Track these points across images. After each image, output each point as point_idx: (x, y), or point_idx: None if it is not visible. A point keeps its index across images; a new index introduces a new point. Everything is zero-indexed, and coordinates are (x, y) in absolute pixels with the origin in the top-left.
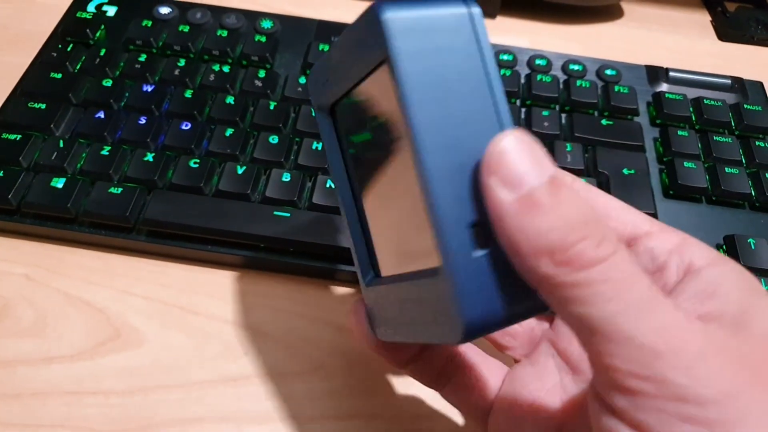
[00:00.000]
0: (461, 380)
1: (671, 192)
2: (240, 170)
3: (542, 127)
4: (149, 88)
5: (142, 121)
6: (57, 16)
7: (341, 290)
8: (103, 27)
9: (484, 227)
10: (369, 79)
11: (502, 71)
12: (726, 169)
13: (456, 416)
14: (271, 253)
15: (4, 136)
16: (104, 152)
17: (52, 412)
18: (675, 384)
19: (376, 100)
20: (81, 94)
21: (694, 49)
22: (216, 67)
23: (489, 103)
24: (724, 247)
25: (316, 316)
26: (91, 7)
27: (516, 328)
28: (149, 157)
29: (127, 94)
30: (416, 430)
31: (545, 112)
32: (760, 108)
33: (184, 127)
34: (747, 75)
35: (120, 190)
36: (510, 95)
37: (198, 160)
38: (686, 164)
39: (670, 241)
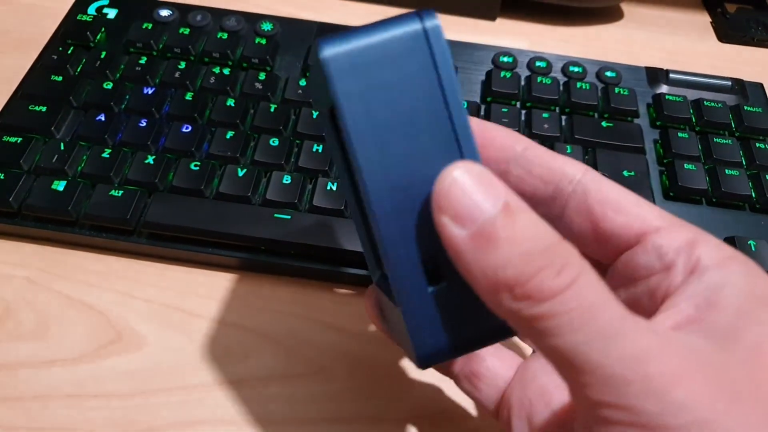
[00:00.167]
0: (474, 370)
1: (671, 194)
2: (240, 173)
3: (542, 129)
4: (150, 91)
5: (143, 123)
6: (57, 19)
7: (342, 292)
8: (103, 30)
9: (445, 259)
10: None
11: (502, 73)
12: (726, 171)
13: (457, 418)
14: (271, 255)
15: (5, 138)
16: (105, 155)
17: (54, 415)
18: (646, 413)
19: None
20: (81, 97)
21: (694, 50)
22: (216, 70)
23: (447, 131)
24: None
25: (318, 318)
26: (91, 10)
27: None
28: (150, 159)
29: (127, 97)
30: None
31: (545, 114)
32: (760, 109)
33: (184, 130)
34: (747, 76)
35: (121, 192)
36: (510, 97)
37: (198, 163)
38: (686, 166)
39: (681, 238)
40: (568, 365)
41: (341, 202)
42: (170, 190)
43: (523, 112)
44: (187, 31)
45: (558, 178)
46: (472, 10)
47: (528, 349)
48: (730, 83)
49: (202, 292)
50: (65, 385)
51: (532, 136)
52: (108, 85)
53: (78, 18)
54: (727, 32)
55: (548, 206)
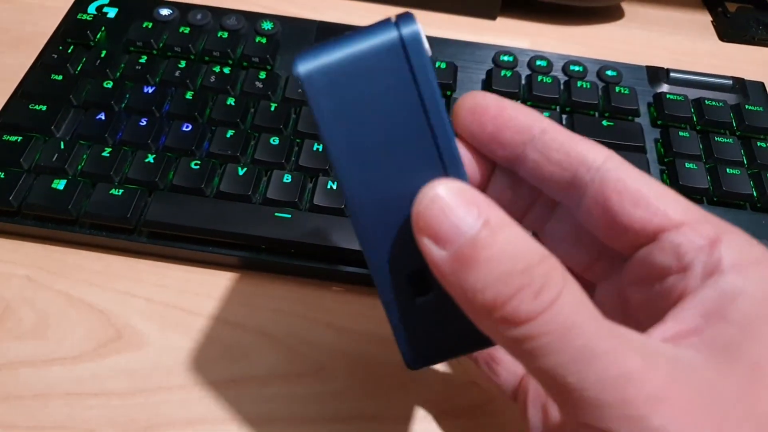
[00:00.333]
0: (493, 355)
1: None
2: (241, 171)
3: None
4: (150, 90)
5: (143, 122)
6: (57, 18)
7: (343, 291)
8: (103, 28)
9: (424, 273)
10: None
11: (503, 72)
12: (727, 170)
13: (457, 416)
14: (272, 254)
15: (5, 137)
16: (105, 154)
17: (54, 413)
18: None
19: None
20: (82, 96)
21: (694, 49)
22: (216, 69)
23: (428, 145)
24: None
25: (318, 317)
26: (91, 9)
27: None
28: (150, 158)
29: (127, 96)
30: (417, 431)
31: (546, 113)
32: (761, 108)
33: (184, 129)
34: (748, 75)
35: (121, 191)
36: (511, 96)
37: (199, 162)
38: (687, 165)
39: (703, 236)
40: (550, 385)
41: (341, 201)
42: (171, 188)
43: None
44: (187, 30)
45: (576, 164)
46: (473, 9)
47: None
48: (730, 82)
49: (202, 291)
50: (65, 384)
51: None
52: (108, 84)
53: (78, 17)
54: (727, 31)
55: (566, 194)
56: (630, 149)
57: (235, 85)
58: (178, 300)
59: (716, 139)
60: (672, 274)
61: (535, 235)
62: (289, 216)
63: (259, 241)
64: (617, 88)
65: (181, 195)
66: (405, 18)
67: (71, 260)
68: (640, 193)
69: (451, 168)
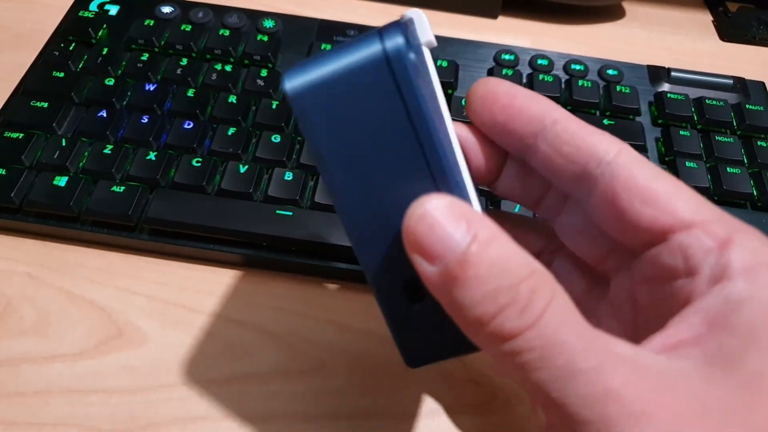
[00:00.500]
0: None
1: None
2: (242, 169)
3: None
4: (151, 87)
5: (145, 120)
6: (59, 16)
7: (343, 289)
8: (105, 26)
9: (417, 281)
10: None
11: (504, 71)
12: (728, 169)
13: (458, 414)
14: (273, 251)
15: (7, 134)
16: (106, 151)
17: (55, 410)
18: None
19: None
20: (83, 93)
21: (695, 49)
22: (218, 67)
23: (418, 159)
24: None
25: (319, 315)
26: (93, 7)
27: None
28: (151, 156)
29: (129, 93)
30: (418, 429)
31: None
32: (762, 108)
33: (186, 126)
34: (749, 75)
35: (122, 188)
36: None
37: (200, 159)
38: (688, 164)
39: (713, 237)
40: (539, 398)
41: None
42: (172, 186)
43: None
44: (188, 27)
45: (586, 158)
46: (474, 8)
47: None
48: (731, 82)
49: (203, 288)
50: (66, 381)
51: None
52: (110, 82)
53: (80, 14)
54: (728, 31)
55: (576, 188)
56: None
57: (236, 83)
58: (179, 297)
59: (717, 138)
60: (680, 277)
61: (547, 226)
62: (291, 214)
63: (261, 239)
64: (618, 87)
65: (183, 192)
66: (389, 30)
67: (72, 257)
68: (649, 190)
69: (441, 182)
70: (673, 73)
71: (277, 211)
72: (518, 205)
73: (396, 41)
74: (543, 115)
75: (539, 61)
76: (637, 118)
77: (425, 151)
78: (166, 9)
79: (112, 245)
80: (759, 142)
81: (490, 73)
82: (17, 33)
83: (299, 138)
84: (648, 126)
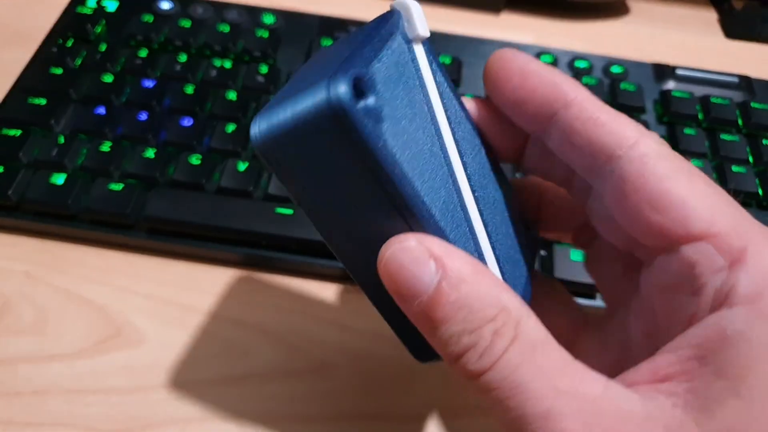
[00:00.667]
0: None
1: None
2: (242, 167)
3: None
4: (150, 84)
5: (143, 117)
6: (57, 12)
7: (344, 289)
8: (103, 22)
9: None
10: None
11: None
12: (733, 168)
13: (459, 415)
14: (272, 250)
15: (4, 131)
16: (104, 148)
17: (53, 410)
18: None
19: None
20: (81, 90)
21: (700, 46)
22: (217, 63)
23: (382, 199)
24: None
25: (319, 314)
26: (91, 2)
27: None
28: (150, 153)
29: (127, 90)
30: (419, 429)
31: None
32: (767, 106)
33: (185, 124)
34: (754, 73)
35: (120, 186)
36: None
37: (199, 157)
38: (693, 163)
39: (724, 253)
40: None
41: None
42: (170, 184)
43: None
44: (188, 23)
45: (597, 151)
46: (477, 4)
47: None
48: (737, 80)
49: (202, 287)
50: (64, 381)
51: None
52: (108, 78)
53: (77, 10)
54: (734, 28)
55: (593, 179)
56: None
57: (236, 79)
58: (177, 296)
59: (722, 136)
60: (686, 293)
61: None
62: (291, 212)
63: (260, 238)
64: (623, 85)
65: (181, 190)
66: (336, 77)
67: (70, 256)
68: (660, 194)
69: (411, 220)
70: (678, 71)
71: (277, 210)
72: None
73: (339, 91)
74: (555, 98)
75: (543, 58)
76: (642, 116)
77: (389, 194)
78: (165, 4)
79: (111, 244)
80: (765, 141)
81: None
82: (15, 29)
83: None
84: (653, 124)
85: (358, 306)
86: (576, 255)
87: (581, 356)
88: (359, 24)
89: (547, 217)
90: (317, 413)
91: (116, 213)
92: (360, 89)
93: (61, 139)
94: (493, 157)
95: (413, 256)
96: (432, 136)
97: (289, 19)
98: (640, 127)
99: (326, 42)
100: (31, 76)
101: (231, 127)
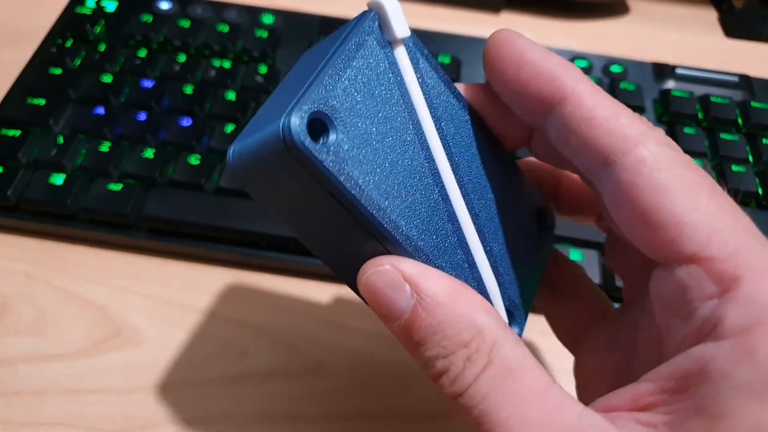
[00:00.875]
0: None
1: None
2: None
3: None
4: (149, 84)
5: (142, 117)
6: (56, 12)
7: (343, 289)
8: (102, 22)
9: None
10: None
11: None
12: (733, 167)
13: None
14: (272, 251)
15: (3, 131)
16: (103, 148)
17: (53, 410)
18: None
19: None
20: (80, 90)
21: (700, 46)
22: (217, 63)
23: (354, 226)
24: None
25: (318, 315)
26: (90, 3)
27: None
28: (149, 153)
29: (126, 90)
30: (419, 430)
31: None
32: (767, 105)
33: (184, 124)
34: (754, 72)
35: (119, 186)
36: None
37: (198, 157)
38: None
39: (717, 282)
40: None
41: None
42: (169, 184)
43: None
44: (187, 23)
45: (593, 155)
46: (477, 3)
47: None
48: (737, 79)
49: (201, 287)
50: (64, 380)
51: None
52: (107, 78)
53: (77, 11)
54: (734, 28)
55: (590, 181)
56: None
57: (235, 79)
58: (177, 296)
59: (722, 136)
60: (677, 316)
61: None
62: None
63: (259, 238)
64: (622, 84)
65: (181, 190)
66: (290, 114)
67: (70, 256)
68: (653, 209)
69: (385, 243)
70: (677, 70)
71: None
72: None
73: (293, 132)
74: (551, 93)
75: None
76: (642, 116)
77: (360, 222)
78: (164, 5)
79: (110, 244)
80: (764, 140)
81: None
82: (14, 29)
83: None
84: (652, 123)
85: (356, 306)
86: (575, 255)
87: (589, 350)
88: None
89: (568, 200)
90: (316, 413)
91: (115, 213)
92: (318, 125)
93: (60, 139)
94: (499, 147)
95: (388, 280)
96: (413, 146)
97: (289, 19)
98: (642, 125)
99: None
100: (30, 76)
101: (230, 127)
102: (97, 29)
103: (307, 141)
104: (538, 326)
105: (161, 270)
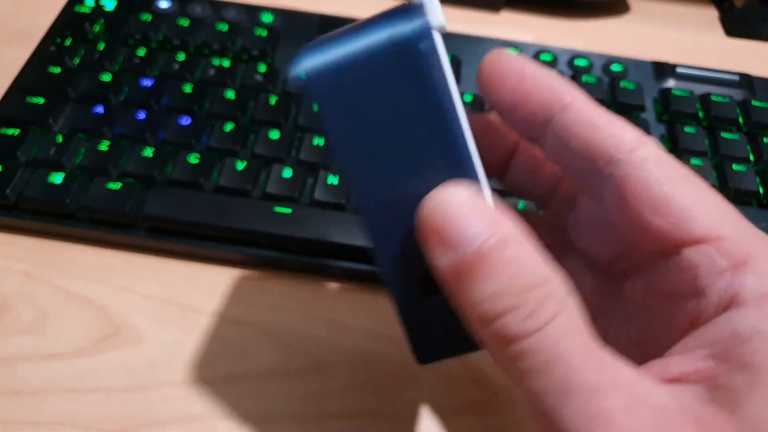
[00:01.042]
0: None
1: None
2: (240, 166)
3: None
4: (148, 83)
5: (141, 115)
6: (55, 11)
7: (343, 288)
8: (101, 21)
9: (432, 274)
10: None
11: None
12: (733, 167)
13: (458, 414)
14: (271, 249)
15: (2, 130)
16: (103, 147)
17: (52, 409)
18: None
19: None
20: (79, 89)
21: (701, 45)
22: (216, 62)
23: (440, 145)
24: None
25: (318, 313)
26: (89, 2)
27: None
28: (148, 152)
29: (125, 89)
30: (419, 429)
31: None
32: None
33: (183, 122)
34: (755, 71)
35: (119, 185)
36: None
37: (198, 156)
38: (693, 161)
39: (727, 256)
40: (534, 409)
41: (343, 196)
42: (169, 183)
43: None
44: (186, 22)
45: (596, 155)
46: (477, 2)
47: None
48: (737, 78)
49: (201, 286)
50: (64, 380)
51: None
52: (106, 77)
53: (75, 9)
54: (734, 27)
55: (590, 184)
56: None
57: (234, 78)
58: (176, 296)
59: (722, 135)
60: (688, 296)
61: (560, 225)
62: (290, 211)
63: (259, 237)
64: (623, 83)
65: (180, 189)
66: (409, 12)
67: (69, 255)
68: (661, 197)
69: (463, 172)
70: (678, 69)
71: (276, 209)
72: (522, 202)
73: (420, 23)
74: (552, 102)
75: (542, 57)
76: (642, 115)
77: (450, 140)
78: (164, 3)
79: (109, 243)
80: (765, 139)
81: None
82: (13, 28)
83: (298, 134)
84: (653, 122)
85: (357, 305)
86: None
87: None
88: None
89: (517, 169)
90: (316, 412)
91: (115, 212)
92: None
93: (60, 138)
94: None
95: (468, 205)
96: (459, 105)
97: (288, 17)
98: (639, 132)
99: None
100: (30, 75)
101: (229, 126)
102: (96, 28)
103: (432, 34)
104: None
105: (161, 269)
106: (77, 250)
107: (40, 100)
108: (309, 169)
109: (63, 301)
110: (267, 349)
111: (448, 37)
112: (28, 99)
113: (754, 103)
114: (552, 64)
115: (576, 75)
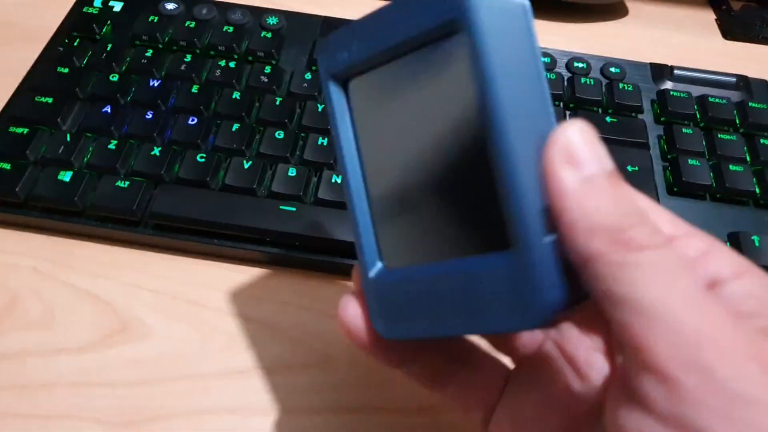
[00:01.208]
0: (462, 380)
1: (675, 189)
2: (246, 165)
3: None
4: (155, 83)
5: (149, 115)
6: (63, 12)
7: (346, 284)
8: (109, 22)
9: (549, 214)
10: (416, 56)
11: None
12: (730, 167)
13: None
14: (276, 247)
15: (12, 129)
16: (111, 146)
17: (60, 403)
18: (720, 378)
19: (425, 77)
20: (88, 89)
21: (698, 47)
22: (222, 63)
23: (545, 93)
24: (728, 244)
25: (322, 309)
26: (97, 3)
27: None
28: (156, 151)
29: (133, 89)
30: (421, 423)
31: None
32: (765, 106)
33: (190, 122)
34: (752, 73)
35: (127, 183)
36: None
37: (204, 155)
38: (690, 162)
39: (694, 249)
40: (639, 316)
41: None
42: (176, 181)
43: None
44: (192, 24)
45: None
46: None
47: None
48: (734, 80)
49: (207, 283)
50: (71, 374)
51: None
52: (114, 78)
53: (84, 10)
54: (731, 29)
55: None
56: (633, 145)
57: (240, 79)
58: (183, 292)
59: (720, 136)
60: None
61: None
62: (294, 209)
63: (264, 234)
64: (621, 85)
65: (187, 188)
66: None
67: (77, 252)
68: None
69: (554, 122)
70: (675, 71)
71: (281, 207)
72: None
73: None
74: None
75: (541, 59)
76: (640, 116)
77: (546, 90)
78: (170, 5)
79: (117, 240)
80: (762, 140)
81: None
82: (23, 29)
83: (303, 134)
84: (651, 124)
85: None
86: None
87: (530, 391)
88: None
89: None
90: (320, 406)
91: (122, 210)
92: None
93: (68, 137)
94: None
95: (595, 140)
96: None
97: (293, 20)
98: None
99: None
100: (38, 75)
101: (235, 126)
102: (104, 29)
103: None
104: None
105: (168, 266)
106: (85, 247)
107: (49, 100)
108: (313, 169)
109: (71, 297)
110: (272, 344)
111: None
112: (37, 98)
113: (751, 104)
114: (551, 66)
115: (574, 77)
